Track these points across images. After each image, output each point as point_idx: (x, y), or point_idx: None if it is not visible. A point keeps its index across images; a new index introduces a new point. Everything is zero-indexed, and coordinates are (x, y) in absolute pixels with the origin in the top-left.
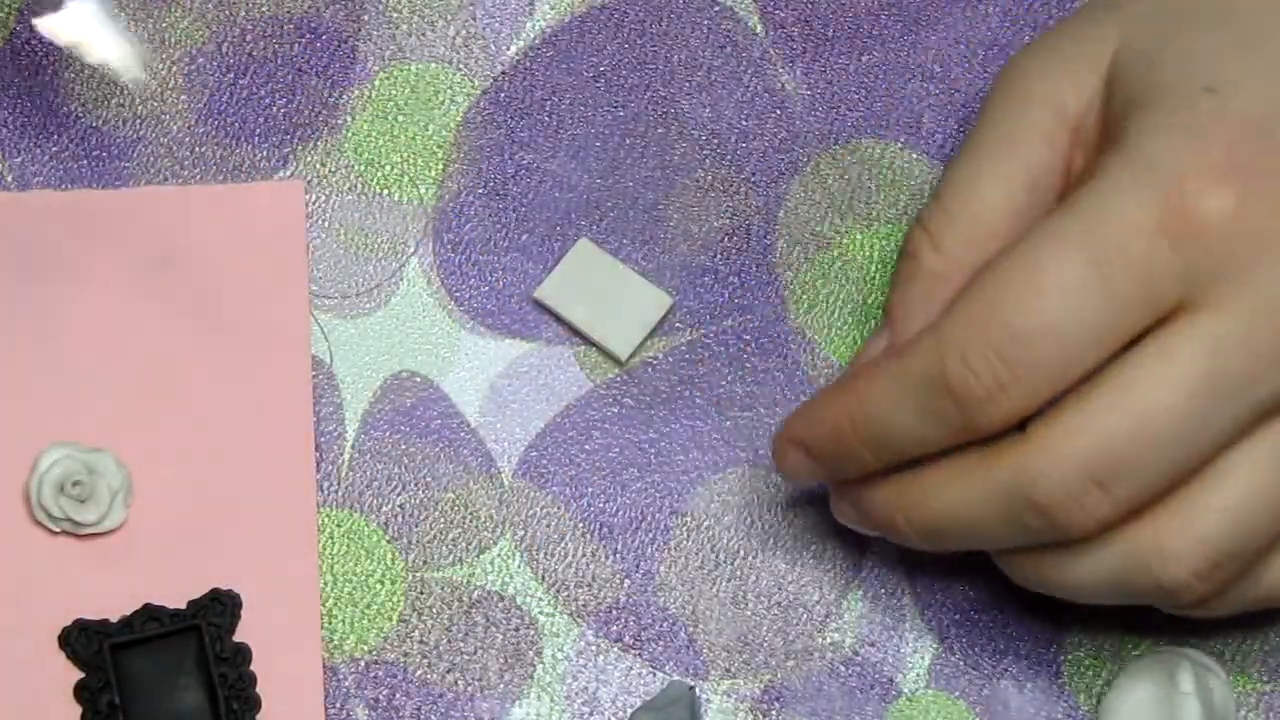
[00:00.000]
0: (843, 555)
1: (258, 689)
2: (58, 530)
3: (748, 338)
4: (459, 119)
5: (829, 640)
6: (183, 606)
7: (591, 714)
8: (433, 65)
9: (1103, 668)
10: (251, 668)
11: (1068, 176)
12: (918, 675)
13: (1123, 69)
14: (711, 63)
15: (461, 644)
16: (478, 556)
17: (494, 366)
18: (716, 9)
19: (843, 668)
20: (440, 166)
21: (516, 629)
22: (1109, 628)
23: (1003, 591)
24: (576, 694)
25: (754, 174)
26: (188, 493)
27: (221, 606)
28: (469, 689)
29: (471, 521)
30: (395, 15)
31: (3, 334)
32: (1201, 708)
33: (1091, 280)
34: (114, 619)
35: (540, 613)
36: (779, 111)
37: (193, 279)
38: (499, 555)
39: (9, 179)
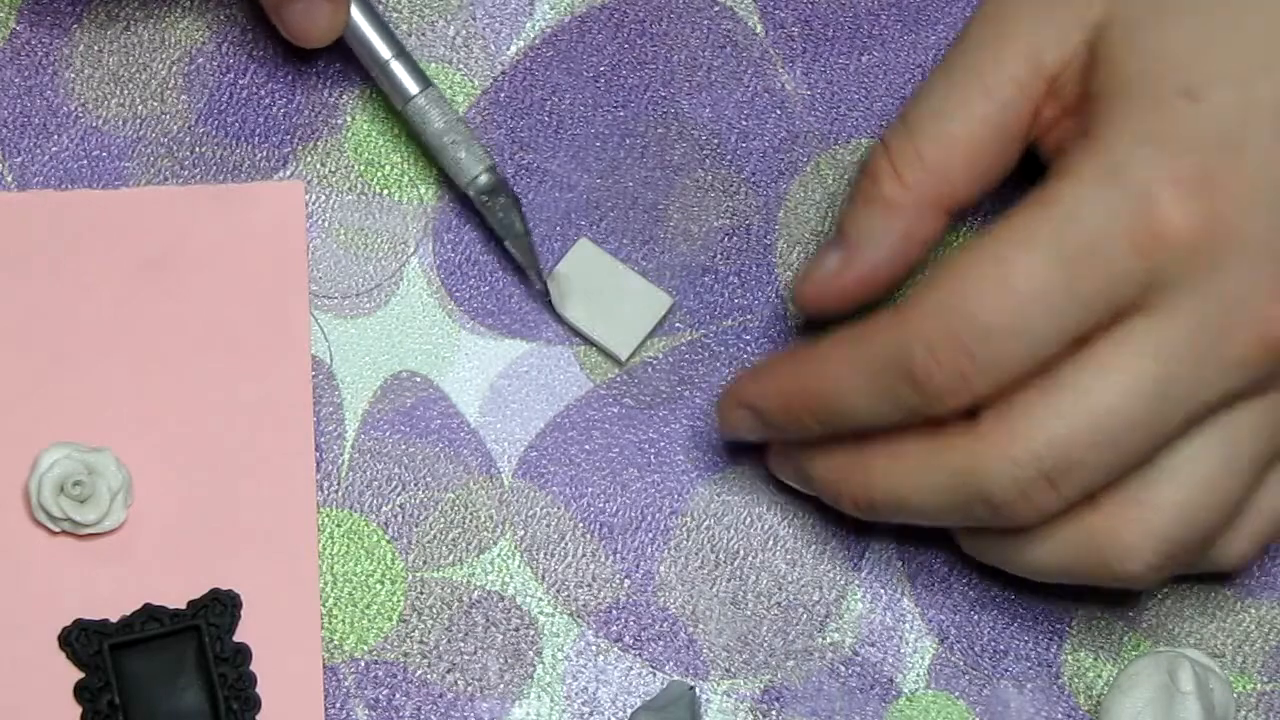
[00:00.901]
0: (843, 555)
1: (258, 689)
2: (58, 530)
3: (748, 338)
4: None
5: (829, 640)
6: (183, 606)
7: (591, 714)
8: (433, 65)
9: (1103, 668)
10: (251, 668)
11: (1036, 124)
12: (918, 675)
13: (1105, 45)
14: (711, 63)
15: (461, 644)
16: (478, 556)
17: (494, 366)
18: (716, 9)
19: (843, 668)
20: (440, 167)
21: (516, 629)
22: (1109, 628)
23: (1003, 591)
24: (576, 694)
25: (754, 174)
26: (188, 493)
27: (221, 606)
28: (469, 689)
29: (471, 521)
30: (395, 15)
31: (3, 333)
32: (1201, 708)
33: (1059, 281)
34: (114, 619)
35: (540, 613)
36: (779, 111)
37: (193, 279)
38: (499, 555)
39: (9, 179)
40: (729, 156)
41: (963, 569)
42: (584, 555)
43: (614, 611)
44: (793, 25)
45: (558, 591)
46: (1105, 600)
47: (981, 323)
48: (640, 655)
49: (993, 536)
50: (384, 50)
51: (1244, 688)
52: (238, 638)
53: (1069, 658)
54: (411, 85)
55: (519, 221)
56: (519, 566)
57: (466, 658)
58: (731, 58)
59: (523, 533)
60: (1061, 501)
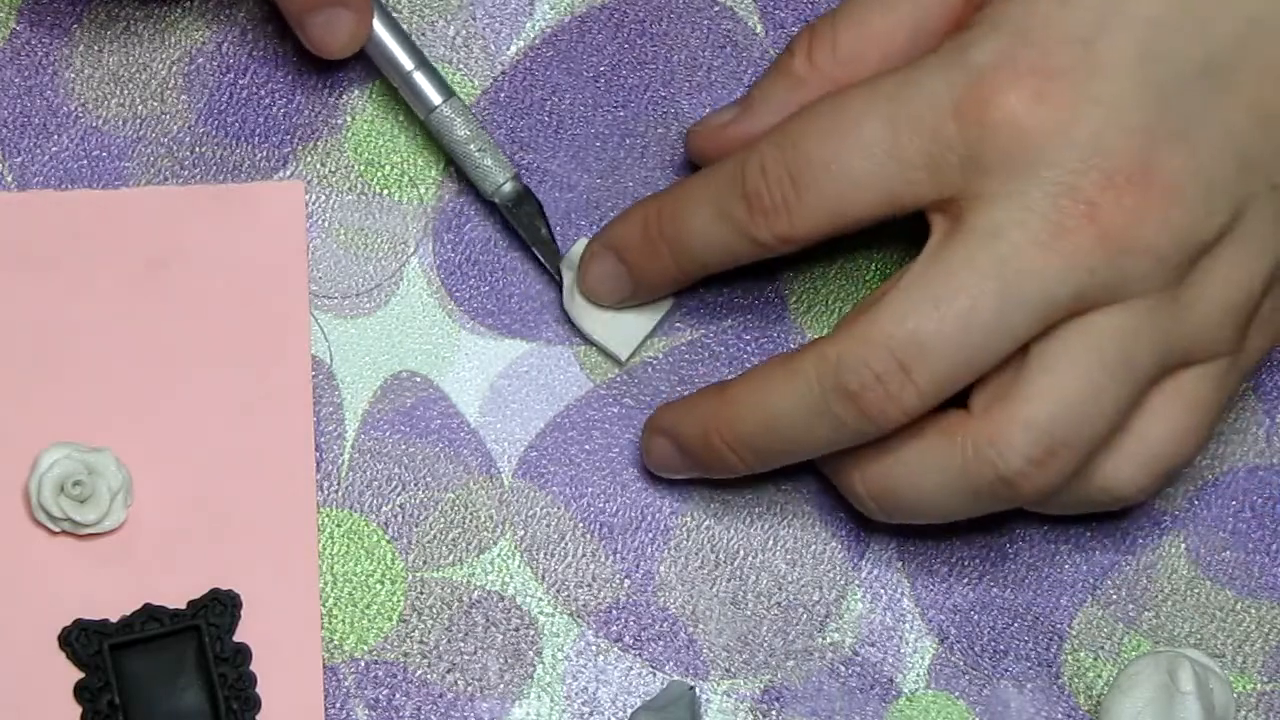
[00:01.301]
0: (843, 555)
1: (258, 689)
2: (58, 530)
3: (748, 338)
4: None
5: (829, 640)
6: (183, 606)
7: (591, 714)
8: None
9: (1103, 668)
10: (251, 668)
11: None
12: (918, 675)
13: None
14: (711, 63)
15: (461, 644)
16: (478, 556)
17: (494, 366)
18: (716, 9)
19: (843, 668)
20: (440, 166)
21: (516, 629)
22: (1109, 628)
23: (1003, 591)
24: (576, 694)
25: None
26: (188, 493)
27: (221, 606)
28: (469, 689)
29: (471, 521)
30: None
31: (3, 334)
32: (1201, 708)
33: (884, 135)
34: (114, 619)
35: (540, 613)
36: None
37: (193, 279)
38: (499, 555)
39: (9, 179)
40: None
41: (963, 569)
42: (584, 555)
43: (614, 611)
44: (793, 25)
45: (558, 591)
46: (1105, 600)
47: (805, 153)
48: (640, 655)
49: (881, 463)
50: (406, 61)
51: (1244, 688)
52: (238, 638)
53: (1069, 658)
54: (434, 95)
55: (544, 227)
56: (519, 566)
57: (466, 658)
58: (731, 58)
59: (523, 533)
60: (919, 394)
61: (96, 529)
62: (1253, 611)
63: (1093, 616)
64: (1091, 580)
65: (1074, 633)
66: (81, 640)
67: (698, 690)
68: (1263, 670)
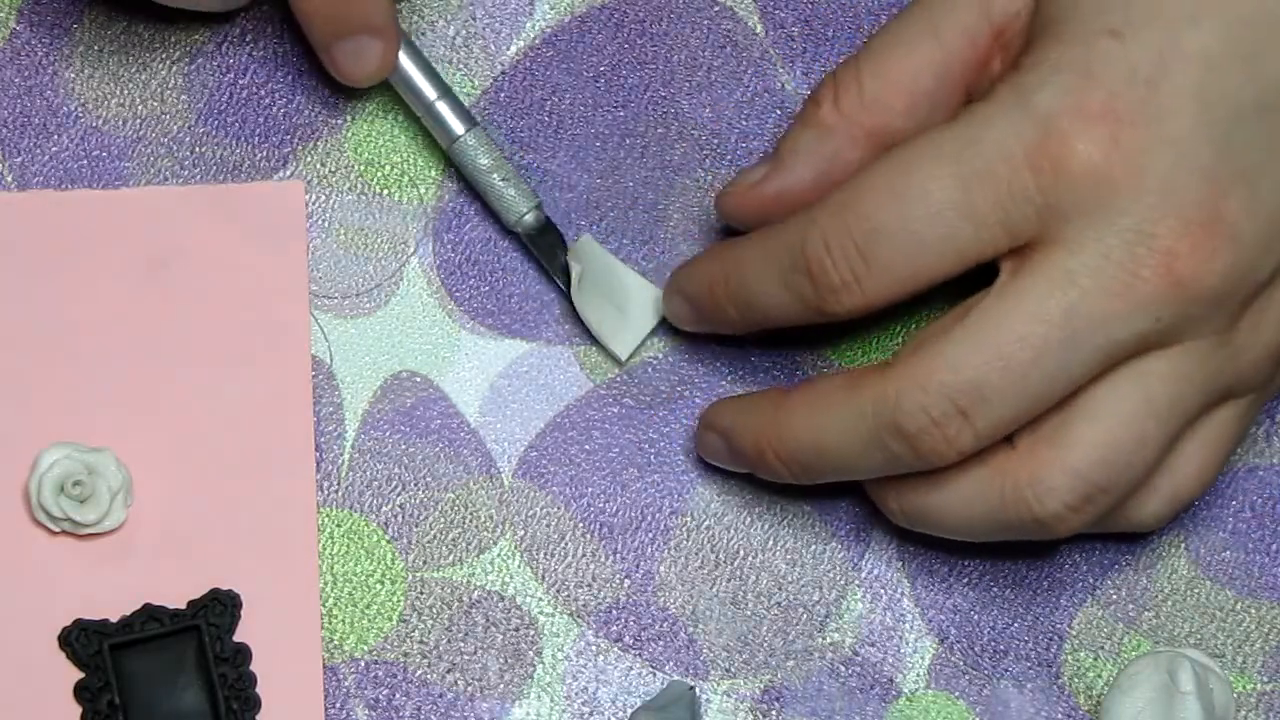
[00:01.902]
0: (843, 555)
1: (258, 689)
2: (58, 530)
3: (748, 337)
4: None
5: (829, 640)
6: (183, 606)
7: (591, 714)
8: (433, 65)
9: (1103, 668)
10: (251, 668)
11: (983, 76)
12: (918, 675)
13: None
14: (711, 63)
15: (461, 644)
16: (478, 556)
17: (494, 366)
18: (716, 9)
19: (843, 668)
20: (440, 166)
21: (516, 629)
22: (1109, 628)
23: (1003, 591)
24: (576, 694)
25: None
26: (188, 493)
27: (221, 606)
28: (469, 689)
29: (471, 521)
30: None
31: (3, 333)
32: (1201, 708)
33: (954, 193)
34: (114, 619)
35: (540, 613)
36: (779, 111)
37: (193, 279)
38: (499, 555)
39: (9, 179)
40: (729, 156)
41: (963, 569)
42: (584, 555)
43: (614, 611)
44: (793, 25)
45: (558, 591)
46: (1105, 600)
47: (873, 223)
48: (640, 655)
49: (915, 489)
50: (430, 91)
51: (1244, 688)
52: (238, 638)
53: (1069, 658)
54: (457, 125)
55: (563, 255)
56: (519, 566)
57: (466, 658)
58: (731, 58)
59: (523, 533)
60: (975, 437)
61: (96, 529)
62: (1253, 611)
63: (1093, 616)
64: (1091, 580)
65: (1074, 633)
66: (81, 640)
67: (698, 690)
68: (1263, 670)
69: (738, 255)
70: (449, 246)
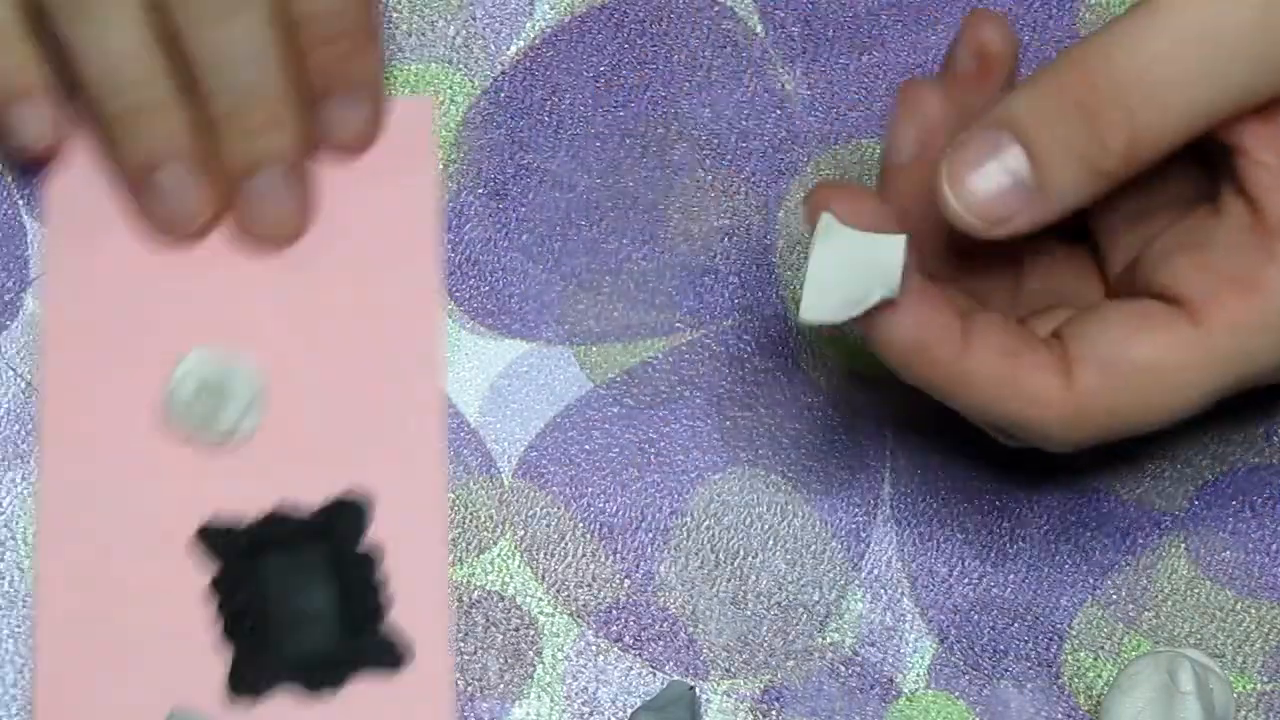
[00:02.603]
0: (843, 555)
1: (385, 593)
2: (192, 434)
3: (748, 338)
4: (459, 119)
5: (829, 640)
6: (313, 512)
7: (591, 714)
8: (433, 65)
9: (1103, 668)
10: (379, 573)
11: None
12: (918, 675)
13: None
14: (711, 63)
15: (461, 644)
16: (478, 556)
17: (494, 366)
18: (716, 9)
19: (843, 668)
20: (440, 166)
21: (516, 629)
22: (1109, 628)
23: (1003, 591)
24: (576, 694)
25: (754, 174)
26: (321, 401)
27: (352, 512)
28: (469, 689)
29: (471, 521)
30: (395, 15)
31: (146, 239)
32: (1201, 708)
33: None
34: (246, 523)
35: (540, 613)
36: (779, 111)
37: (327, 190)
38: (499, 555)
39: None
40: (729, 156)
41: (963, 569)
42: (584, 555)
43: (614, 611)
44: (793, 25)
45: (558, 591)
46: (1105, 600)
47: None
48: (640, 655)
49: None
50: None
51: (1244, 688)
52: (367, 544)
53: (1069, 658)
54: None
55: None
56: (519, 566)
57: (466, 658)
58: (731, 58)
59: (523, 533)
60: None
61: (230, 434)
62: (1253, 611)
63: (1093, 616)
64: (1091, 580)
65: (1074, 633)
66: (214, 544)
67: (698, 690)
68: (1263, 670)
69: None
70: (449, 246)
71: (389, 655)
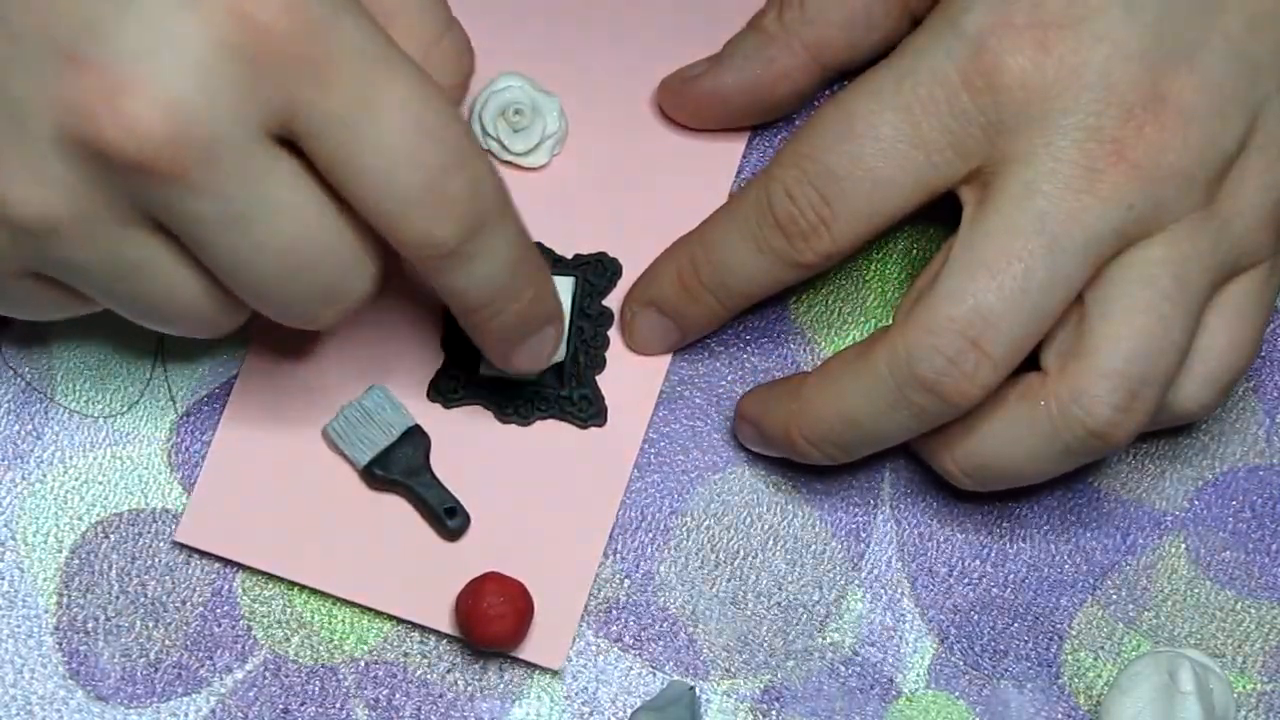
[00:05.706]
0: (843, 555)
1: (608, 353)
2: (485, 149)
3: (748, 338)
4: None
5: (829, 640)
6: (569, 256)
7: (591, 714)
8: None
9: (1103, 668)
10: (609, 333)
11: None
12: (918, 675)
13: None
14: None
15: (462, 644)
16: None
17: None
18: None
19: (843, 668)
20: None
21: None
22: (1109, 628)
23: (1003, 591)
24: (576, 694)
25: (754, 174)
26: (609, 162)
27: (603, 268)
28: (469, 689)
29: None
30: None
31: None
32: (1201, 708)
33: (901, 126)
34: None
35: None
36: None
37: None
38: None
39: None
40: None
41: (963, 569)
42: None
43: (614, 611)
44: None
45: None
46: (1105, 600)
47: (829, 167)
48: (640, 655)
49: (970, 441)
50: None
51: (1244, 688)
52: (607, 302)
53: (1069, 658)
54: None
55: None
56: None
57: (466, 658)
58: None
59: None
60: (994, 366)
61: (520, 161)
62: (1253, 611)
63: (1093, 616)
64: (1091, 580)
65: (1074, 633)
66: None
67: (698, 690)
68: (1263, 670)
69: (701, 237)
70: None
71: (591, 408)
